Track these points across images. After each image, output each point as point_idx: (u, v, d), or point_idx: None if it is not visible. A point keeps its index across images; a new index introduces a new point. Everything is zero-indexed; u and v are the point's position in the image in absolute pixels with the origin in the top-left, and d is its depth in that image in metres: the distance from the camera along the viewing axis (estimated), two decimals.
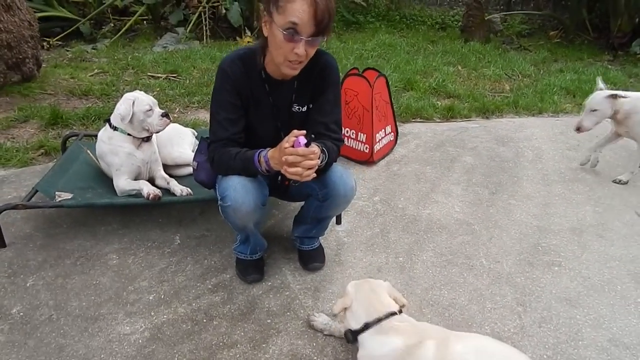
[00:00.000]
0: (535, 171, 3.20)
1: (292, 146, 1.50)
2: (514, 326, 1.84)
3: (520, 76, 5.49)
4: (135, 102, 2.24)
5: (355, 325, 1.51)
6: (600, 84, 2.98)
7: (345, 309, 1.56)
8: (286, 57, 1.57)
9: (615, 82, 5.25)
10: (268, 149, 1.63)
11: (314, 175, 1.54)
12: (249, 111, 1.78)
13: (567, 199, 2.84)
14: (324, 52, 1.77)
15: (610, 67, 6.16)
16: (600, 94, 2.89)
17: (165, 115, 2.30)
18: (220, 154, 1.72)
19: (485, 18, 7.19)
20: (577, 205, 2.77)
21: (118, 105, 2.26)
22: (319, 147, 1.59)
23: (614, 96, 2.84)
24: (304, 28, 1.50)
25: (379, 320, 1.47)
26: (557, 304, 1.97)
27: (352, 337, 1.53)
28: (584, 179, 3.11)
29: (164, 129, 2.32)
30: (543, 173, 3.17)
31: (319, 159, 1.55)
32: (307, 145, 1.49)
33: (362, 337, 1.49)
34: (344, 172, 1.83)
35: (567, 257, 2.29)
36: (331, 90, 1.81)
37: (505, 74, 5.48)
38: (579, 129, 2.94)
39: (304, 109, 1.83)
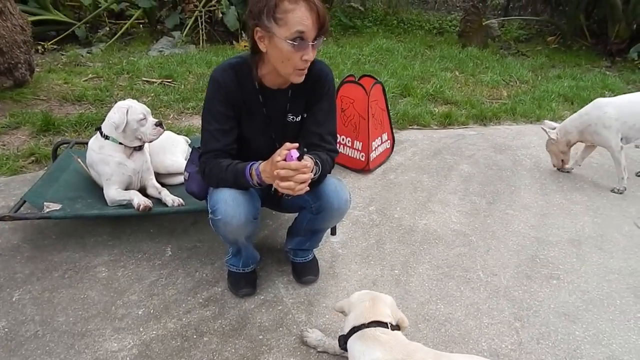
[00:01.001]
0: (533, 180, 3.16)
1: (285, 160, 1.46)
2: (511, 342, 1.80)
3: (517, 82, 5.46)
4: (129, 110, 2.19)
5: (346, 330, 1.52)
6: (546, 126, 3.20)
7: (343, 312, 1.59)
8: (295, 67, 1.55)
9: (613, 88, 5.23)
10: (260, 162, 1.59)
11: (307, 189, 1.50)
12: (242, 122, 1.74)
13: (565, 209, 2.81)
14: (318, 60, 1.73)
15: (608, 73, 6.15)
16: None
17: (158, 124, 2.26)
18: (211, 165, 1.68)
19: (483, 23, 7.18)
20: (575, 216, 2.73)
21: (111, 114, 2.21)
22: (312, 159, 1.56)
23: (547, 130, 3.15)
24: (309, 34, 1.50)
25: (362, 326, 1.46)
26: (556, 319, 1.93)
27: (342, 342, 1.53)
28: (582, 188, 3.08)
29: (157, 138, 2.28)
30: (541, 182, 3.14)
31: (312, 172, 1.52)
32: (299, 158, 1.46)
33: (348, 343, 1.48)
34: (338, 185, 1.79)
35: (565, 269, 2.25)
36: (326, 99, 1.78)
37: (503, 80, 5.45)
38: (560, 168, 3.26)
39: (298, 118, 1.80)
